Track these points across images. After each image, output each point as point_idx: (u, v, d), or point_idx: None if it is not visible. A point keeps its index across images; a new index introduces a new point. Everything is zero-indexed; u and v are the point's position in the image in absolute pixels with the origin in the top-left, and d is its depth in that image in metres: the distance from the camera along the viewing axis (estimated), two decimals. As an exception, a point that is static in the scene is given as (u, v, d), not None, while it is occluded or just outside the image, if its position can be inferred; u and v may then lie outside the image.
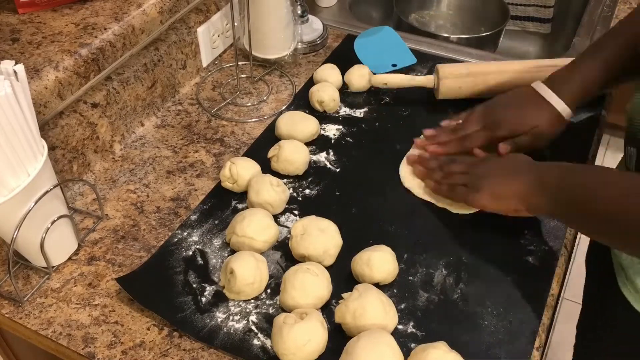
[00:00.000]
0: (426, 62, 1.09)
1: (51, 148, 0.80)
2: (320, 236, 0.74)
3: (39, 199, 0.68)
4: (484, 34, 1.19)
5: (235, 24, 1.01)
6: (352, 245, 0.76)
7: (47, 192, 0.69)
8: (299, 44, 1.10)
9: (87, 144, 0.86)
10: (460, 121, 0.89)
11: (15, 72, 0.63)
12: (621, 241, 0.66)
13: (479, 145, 0.85)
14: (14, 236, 0.67)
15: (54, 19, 0.86)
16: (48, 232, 0.71)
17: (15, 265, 0.76)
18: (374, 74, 1.03)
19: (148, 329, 0.69)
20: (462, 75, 0.97)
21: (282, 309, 0.71)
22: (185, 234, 0.79)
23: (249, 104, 1.01)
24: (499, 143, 0.81)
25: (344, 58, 1.08)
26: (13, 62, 0.64)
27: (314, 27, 1.13)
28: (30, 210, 0.67)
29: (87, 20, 0.86)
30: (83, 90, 0.84)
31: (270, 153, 0.88)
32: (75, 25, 0.85)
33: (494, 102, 0.87)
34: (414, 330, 0.69)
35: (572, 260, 1.70)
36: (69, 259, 0.77)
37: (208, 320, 0.69)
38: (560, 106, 0.82)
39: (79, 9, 0.88)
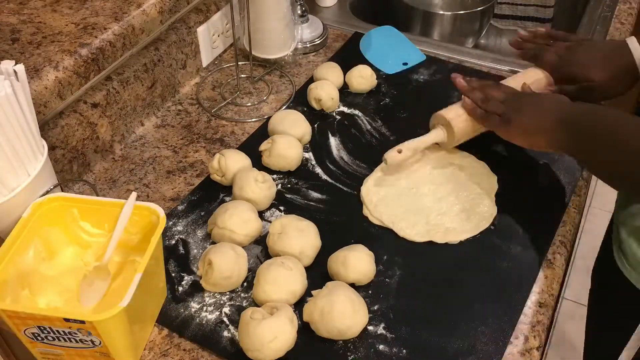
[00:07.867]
0: (429, 64, 1.08)
1: (51, 148, 0.80)
2: (298, 237, 0.73)
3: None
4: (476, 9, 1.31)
5: (235, 24, 1.01)
6: (333, 244, 0.75)
7: (47, 192, 0.69)
8: (299, 43, 1.10)
9: (87, 144, 0.86)
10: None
11: (15, 72, 0.63)
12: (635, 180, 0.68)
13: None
14: (14, 236, 0.67)
15: (54, 19, 0.86)
16: (48, 232, 0.71)
17: (15, 265, 0.76)
18: (386, 73, 1.03)
19: (148, 329, 0.69)
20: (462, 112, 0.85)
21: (255, 302, 0.70)
22: (170, 223, 0.80)
23: (249, 104, 1.01)
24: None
25: (348, 58, 1.07)
26: (13, 62, 0.64)
27: (314, 27, 1.13)
28: (30, 210, 0.67)
29: (87, 20, 0.86)
30: (83, 90, 0.84)
31: (262, 146, 0.87)
32: (75, 25, 0.85)
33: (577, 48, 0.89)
34: (384, 332, 0.68)
35: (572, 260, 1.70)
36: (69, 258, 0.77)
37: (182, 310, 0.70)
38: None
39: (79, 9, 0.88)
